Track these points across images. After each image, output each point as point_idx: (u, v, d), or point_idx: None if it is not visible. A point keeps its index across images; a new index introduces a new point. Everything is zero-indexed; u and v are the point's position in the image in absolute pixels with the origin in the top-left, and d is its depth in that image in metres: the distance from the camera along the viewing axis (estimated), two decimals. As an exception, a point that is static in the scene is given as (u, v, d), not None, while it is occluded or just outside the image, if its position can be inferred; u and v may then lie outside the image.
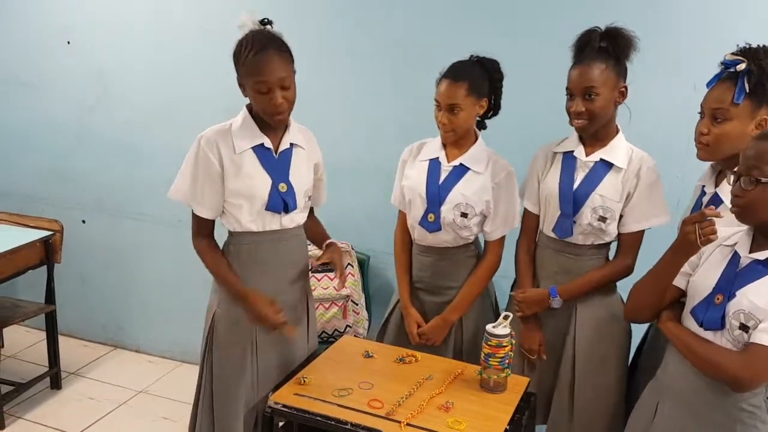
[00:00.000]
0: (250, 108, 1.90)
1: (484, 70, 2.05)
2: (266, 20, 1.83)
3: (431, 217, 2.10)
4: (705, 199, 1.81)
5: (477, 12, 2.64)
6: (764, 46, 1.70)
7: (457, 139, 2.09)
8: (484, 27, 2.62)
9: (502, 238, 2.16)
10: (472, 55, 2.09)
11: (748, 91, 1.67)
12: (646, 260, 1.84)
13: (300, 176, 1.94)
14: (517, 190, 2.12)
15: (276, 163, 1.89)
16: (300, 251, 2.04)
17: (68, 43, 3.34)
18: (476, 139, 2.13)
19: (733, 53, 1.71)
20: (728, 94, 1.69)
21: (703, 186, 1.85)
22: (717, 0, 2.34)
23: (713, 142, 1.71)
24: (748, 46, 1.71)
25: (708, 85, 1.76)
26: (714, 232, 1.48)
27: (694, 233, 1.50)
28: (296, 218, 1.97)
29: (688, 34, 2.38)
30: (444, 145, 2.14)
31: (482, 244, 2.23)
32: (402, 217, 2.25)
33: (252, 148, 1.86)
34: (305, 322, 2.08)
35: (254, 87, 1.76)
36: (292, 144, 1.93)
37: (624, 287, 2.12)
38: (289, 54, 1.81)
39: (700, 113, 1.78)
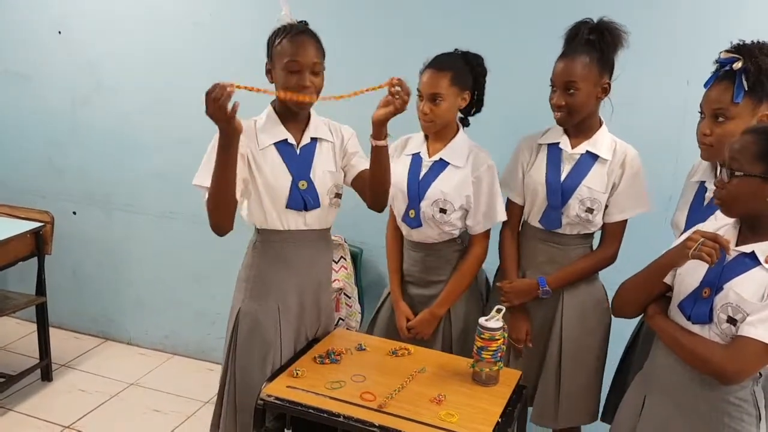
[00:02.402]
0: (274, 105, 1.91)
1: (467, 63, 2.07)
2: (304, 22, 1.88)
3: (412, 213, 2.12)
4: (708, 195, 1.81)
5: (472, 6, 2.64)
6: (759, 42, 1.70)
7: (437, 131, 2.10)
8: (479, 21, 2.63)
9: (487, 231, 2.17)
10: (456, 49, 2.10)
11: (746, 89, 1.67)
12: (639, 256, 1.86)
13: (323, 174, 1.92)
14: (498, 183, 2.12)
15: (298, 160, 1.89)
16: (326, 253, 2.05)
17: (59, 33, 3.32)
18: (457, 132, 2.13)
19: (727, 51, 1.71)
20: (727, 93, 1.69)
21: (703, 182, 1.85)
22: (710, -4, 2.35)
23: (716, 142, 1.71)
24: (742, 43, 1.71)
25: (705, 85, 1.76)
26: (711, 255, 1.46)
27: (695, 243, 1.49)
28: (321, 219, 1.95)
29: (681, 28, 2.39)
30: (427, 139, 2.14)
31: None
32: (393, 212, 2.26)
33: (275, 144, 1.87)
34: (317, 324, 2.08)
35: (286, 66, 1.79)
36: (313, 138, 1.93)
37: (612, 280, 2.16)
38: (323, 48, 1.86)
39: (700, 113, 1.78)
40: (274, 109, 1.92)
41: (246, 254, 2.00)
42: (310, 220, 1.93)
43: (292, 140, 1.90)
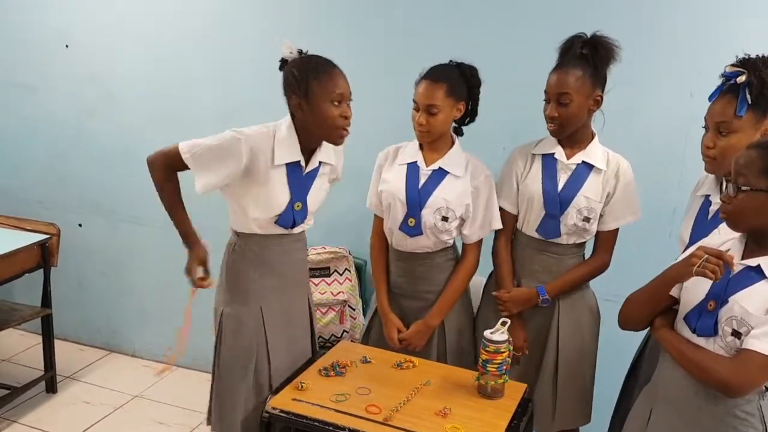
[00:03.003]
0: (296, 121, 1.91)
1: (462, 74, 2.09)
2: (304, 51, 1.89)
3: (412, 221, 2.12)
4: (712, 209, 1.82)
5: (468, 15, 2.66)
6: (763, 56, 1.71)
7: (432, 141, 2.11)
8: (477, 31, 2.64)
9: (480, 241, 2.19)
10: (451, 60, 2.12)
11: (750, 102, 1.68)
12: (644, 268, 1.86)
13: (316, 195, 1.99)
14: (495, 192, 2.15)
15: (301, 182, 1.92)
16: (303, 253, 2.08)
17: (66, 46, 3.35)
18: (453, 142, 2.15)
19: (732, 65, 1.72)
20: (730, 106, 1.70)
21: (708, 196, 1.86)
22: (714, 5, 2.36)
23: (719, 155, 1.72)
24: (747, 57, 1.72)
25: (710, 98, 1.77)
26: (715, 272, 1.46)
27: (698, 259, 1.49)
28: (303, 226, 2.02)
29: (685, 39, 2.40)
30: (421, 149, 2.16)
31: (459, 247, 2.25)
32: (378, 222, 2.27)
33: (287, 163, 1.89)
34: (308, 323, 2.11)
35: (332, 98, 1.82)
36: (320, 162, 1.97)
37: (605, 292, 2.19)
38: None
39: (704, 127, 1.79)
40: (295, 125, 1.91)
41: (224, 257, 2.03)
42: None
43: (303, 163, 1.93)
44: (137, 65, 3.25)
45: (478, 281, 2.70)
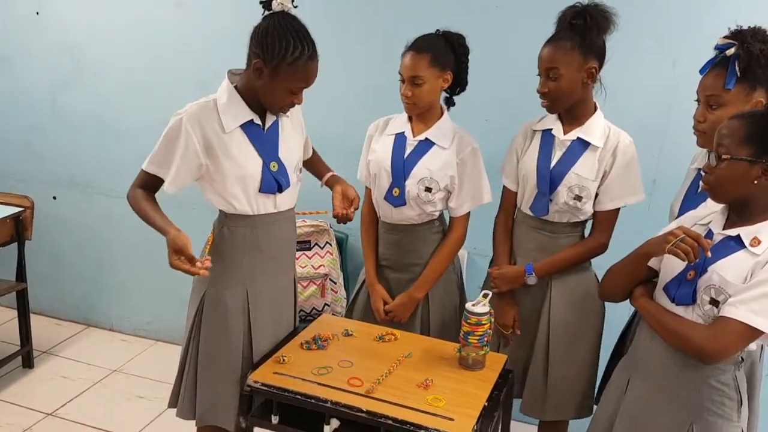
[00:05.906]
0: (235, 84, 1.83)
1: (447, 43, 2.05)
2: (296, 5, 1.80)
3: (396, 191, 2.11)
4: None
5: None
6: (753, 28, 1.69)
7: (420, 113, 2.09)
8: (466, 4, 2.61)
9: (467, 214, 2.17)
10: (438, 30, 2.08)
11: (738, 75, 1.67)
12: (624, 240, 1.86)
13: (289, 150, 1.90)
14: (482, 166, 2.12)
15: (265, 140, 1.84)
16: (292, 232, 2.02)
17: (37, 14, 3.25)
18: (442, 114, 2.13)
19: (725, 37, 1.71)
20: (720, 80, 1.69)
21: (699, 169, 1.85)
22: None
23: (710, 129, 1.70)
24: (739, 29, 1.70)
25: (701, 71, 1.76)
26: (688, 253, 1.46)
27: (674, 238, 1.49)
28: (290, 199, 1.94)
29: (666, 9, 2.37)
30: (410, 120, 2.14)
31: (447, 221, 2.24)
32: (369, 193, 2.25)
33: (241, 126, 1.81)
34: (293, 303, 2.08)
35: (291, 87, 1.75)
36: (277, 115, 1.89)
37: (600, 265, 2.16)
38: None
39: (696, 100, 1.78)
40: (236, 88, 1.82)
41: (210, 236, 1.94)
42: (280, 201, 1.90)
43: (258, 120, 1.85)
44: (112, 34, 3.17)
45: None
